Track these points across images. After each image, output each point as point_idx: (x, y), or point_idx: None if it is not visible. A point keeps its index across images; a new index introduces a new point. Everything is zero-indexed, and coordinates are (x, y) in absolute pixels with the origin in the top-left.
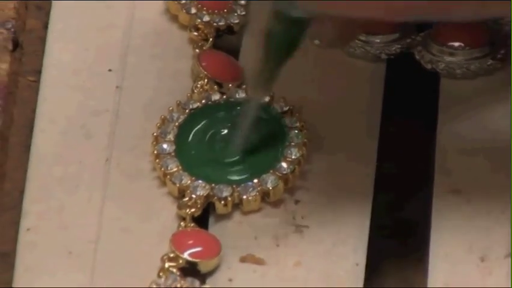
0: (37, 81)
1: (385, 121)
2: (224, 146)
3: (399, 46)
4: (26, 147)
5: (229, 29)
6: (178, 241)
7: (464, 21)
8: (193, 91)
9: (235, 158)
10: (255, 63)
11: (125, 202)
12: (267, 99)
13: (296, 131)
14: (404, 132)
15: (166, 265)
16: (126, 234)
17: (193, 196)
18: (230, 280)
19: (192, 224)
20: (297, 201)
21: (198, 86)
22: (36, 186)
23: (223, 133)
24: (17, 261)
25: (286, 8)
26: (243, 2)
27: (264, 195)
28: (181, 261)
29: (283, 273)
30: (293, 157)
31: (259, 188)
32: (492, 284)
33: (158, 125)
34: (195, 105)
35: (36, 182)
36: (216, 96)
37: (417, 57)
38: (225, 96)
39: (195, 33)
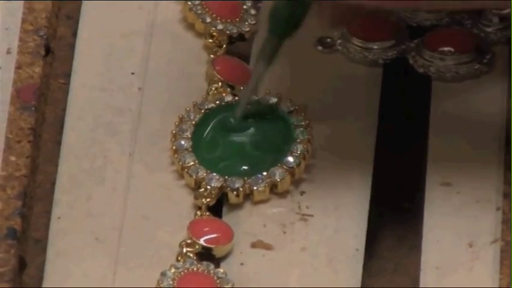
0: (67, 84)
1: (382, 119)
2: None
3: (394, 52)
4: (57, 143)
5: (241, 37)
6: (194, 228)
7: (458, 8)
8: (208, 93)
9: (240, 123)
10: (259, 37)
11: (146, 193)
12: (275, 100)
13: (302, 129)
14: (399, 129)
15: (184, 250)
16: (147, 222)
17: (208, 187)
18: (242, 264)
19: (207, 213)
20: (302, 193)
21: (213, 88)
22: (66, 178)
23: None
24: (48, 247)
25: None
26: (253, 11)
27: (273, 187)
28: (197, 247)
29: (290, 258)
30: (299, 152)
31: (268, 180)
32: (479, 267)
33: (176, 123)
34: (210, 106)
35: (66, 175)
36: (228, 98)
37: (411, 61)
38: (237, 98)
39: (210, 40)
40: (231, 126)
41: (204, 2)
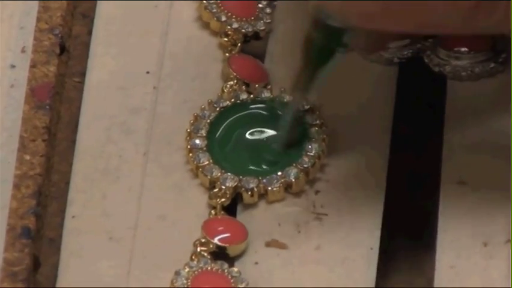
0: (82, 82)
1: (397, 119)
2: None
3: (410, 51)
4: (72, 142)
5: (256, 35)
6: (209, 228)
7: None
8: (223, 91)
9: (274, 158)
10: (295, 68)
11: (161, 192)
12: (288, 98)
13: (316, 128)
14: (414, 128)
15: (198, 249)
16: (162, 221)
17: (223, 187)
18: (256, 263)
19: (222, 212)
20: (317, 192)
21: (228, 86)
22: (80, 177)
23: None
24: (63, 246)
25: (325, 18)
26: (268, 10)
27: (287, 187)
28: (211, 246)
29: (305, 257)
30: (314, 152)
31: (282, 180)
32: (494, 266)
33: (191, 121)
34: (225, 104)
35: (80, 174)
36: (244, 96)
37: (426, 61)
38: (252, 96)
39: (225, 39)
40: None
41: (219, 1)
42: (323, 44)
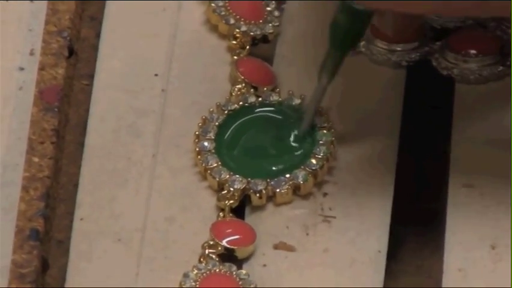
0: (90, 85)
1: (405, 122)
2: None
3: (418, 54)
4: (80, 144)
5: (264, 38)
6: (217, 230)
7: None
8: (231, 94)
9: (296, 143)
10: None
11: (169, 194)
12: (298, 101)
13: (324, 131)
14: (422, 131)
15: (206, 252)
16: (170, 223)
17: (231, 189)
18: (264, 265)
19: (230, 215)
20: (325, 194)
21: (236, 89)
22: (89, 179)
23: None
24: (71, 248)
25: (351, 1)
26: (277, 13)
27: (295, 189)
28: (220, 248)
29: (313, 259)
30: (322, 154)
31: (290, 182)
32: (502, 269)
33: (199, 124)
34: (233, 107)
35: (89, 176)
36: (252, 99)
37: (434, 64)
38: (260, 99)
39: (233, 42)
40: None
41: (227, 4)
42: (349, 27)
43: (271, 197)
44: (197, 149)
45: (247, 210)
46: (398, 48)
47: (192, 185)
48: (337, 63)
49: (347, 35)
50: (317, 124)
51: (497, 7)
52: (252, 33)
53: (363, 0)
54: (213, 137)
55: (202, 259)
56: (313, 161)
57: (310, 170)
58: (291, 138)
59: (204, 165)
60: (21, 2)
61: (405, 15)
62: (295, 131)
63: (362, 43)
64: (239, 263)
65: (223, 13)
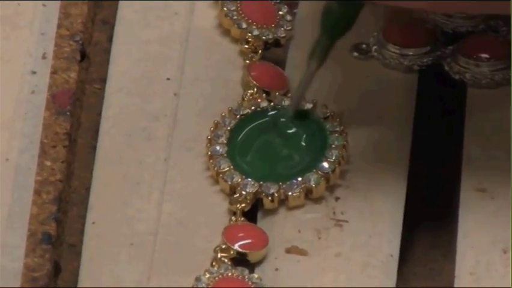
0: (102, 89)
1: (417, 126)
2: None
3: (430, 58)
4: (92, 148)
5: (277, 42)
6: (229, 234)
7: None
8: (243, 98)
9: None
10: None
11: (181, 198)
12: (310, 106)
13: (336, 135)
14: (434, 135)
15: (219, 255)
16: (182, 227)
17: (243, 193)
18: (276, 269)
19: (242, 218)
20: (337, 198)
21: (248, 94)
22: (101, 183)
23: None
24: (83, 252)
25: None
26: (289, 17)
27: (307, 193)
28: (232, 252)
29: (325, 263)
30: (334, 158)
31: (303, 186)
32: None
33: (211, 128)
34: (245, 111)
35: (101, 180)
36: (264, 104)
37: (446, 68)
38: (272, 104)
39: (245, 46)
40: (279, 124)
41: (239, 8)
42: (341, 15)
43: (283, 201)
44: (209, 153)
45: (259, 214)
46: (410, 53)
47: (204, 188)
48: (327, 49)
49: (338, 22)
50: (329, 128)
51: (496, 5)
52: (264, 38)
53: None
54: (225, 141)
55: (214, 263)
56: (326, 164)
57: (322, 174)
58: (303, 143)
59: (216, 169)
60: (33, 5)
61: (396, 9)
62: (307, 135)
63: (374, 48)
64: (251, 267)
65: (235, 17)
